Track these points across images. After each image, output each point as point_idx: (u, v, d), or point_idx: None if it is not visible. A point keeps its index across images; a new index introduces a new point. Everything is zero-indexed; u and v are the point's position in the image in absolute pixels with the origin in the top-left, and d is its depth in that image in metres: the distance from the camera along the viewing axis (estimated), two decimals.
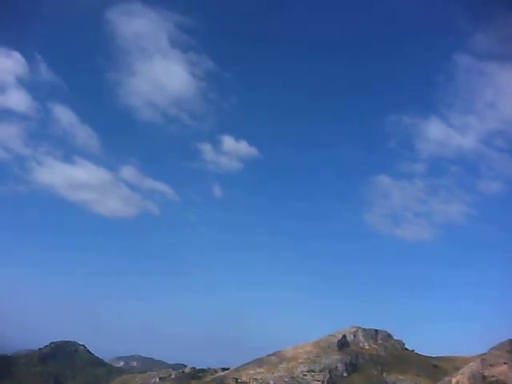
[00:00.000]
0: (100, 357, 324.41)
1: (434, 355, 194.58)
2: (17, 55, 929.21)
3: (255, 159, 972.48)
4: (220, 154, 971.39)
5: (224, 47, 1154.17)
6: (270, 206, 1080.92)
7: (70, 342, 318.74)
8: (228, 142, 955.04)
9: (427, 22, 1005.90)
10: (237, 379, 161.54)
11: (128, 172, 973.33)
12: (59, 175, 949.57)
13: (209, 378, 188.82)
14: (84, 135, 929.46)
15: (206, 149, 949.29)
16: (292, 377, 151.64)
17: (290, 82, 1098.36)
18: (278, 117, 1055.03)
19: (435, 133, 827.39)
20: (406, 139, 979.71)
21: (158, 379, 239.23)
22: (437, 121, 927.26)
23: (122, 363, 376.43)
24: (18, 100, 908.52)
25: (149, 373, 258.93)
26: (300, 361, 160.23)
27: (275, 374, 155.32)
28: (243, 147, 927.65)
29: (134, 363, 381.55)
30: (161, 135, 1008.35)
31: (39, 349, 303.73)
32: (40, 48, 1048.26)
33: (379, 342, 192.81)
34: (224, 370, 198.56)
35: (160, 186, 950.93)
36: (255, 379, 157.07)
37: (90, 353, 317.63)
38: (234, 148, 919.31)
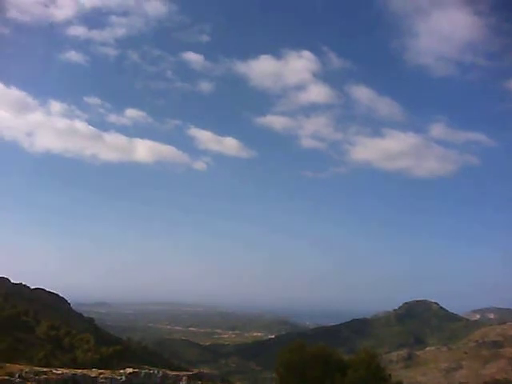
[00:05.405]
0: (454, 312, 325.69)
1: None
2: (307, 54, 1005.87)
3: None
4: None
5: None
6: None
7: (421, 300, 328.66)
8: None
9: None
10: None
11: (437, 130, 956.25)
12: (373, 150, 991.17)
13: None
14: (385, 106, 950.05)
15: None
16: None
17: None
18: None
19: None
20: None
21: None
22: None
23: (478, 316, 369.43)
24: (319, 93, 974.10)
25: (509, 323, 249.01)
26: None
27: None
28: None
29: (491, 315, 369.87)
30: (460, 85, 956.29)
31: (394, 310, 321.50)
32: (324, 40, 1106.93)
33: None
34: None
35: (474, 136, 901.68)
36: None
37: (444, 309, 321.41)
38: None
